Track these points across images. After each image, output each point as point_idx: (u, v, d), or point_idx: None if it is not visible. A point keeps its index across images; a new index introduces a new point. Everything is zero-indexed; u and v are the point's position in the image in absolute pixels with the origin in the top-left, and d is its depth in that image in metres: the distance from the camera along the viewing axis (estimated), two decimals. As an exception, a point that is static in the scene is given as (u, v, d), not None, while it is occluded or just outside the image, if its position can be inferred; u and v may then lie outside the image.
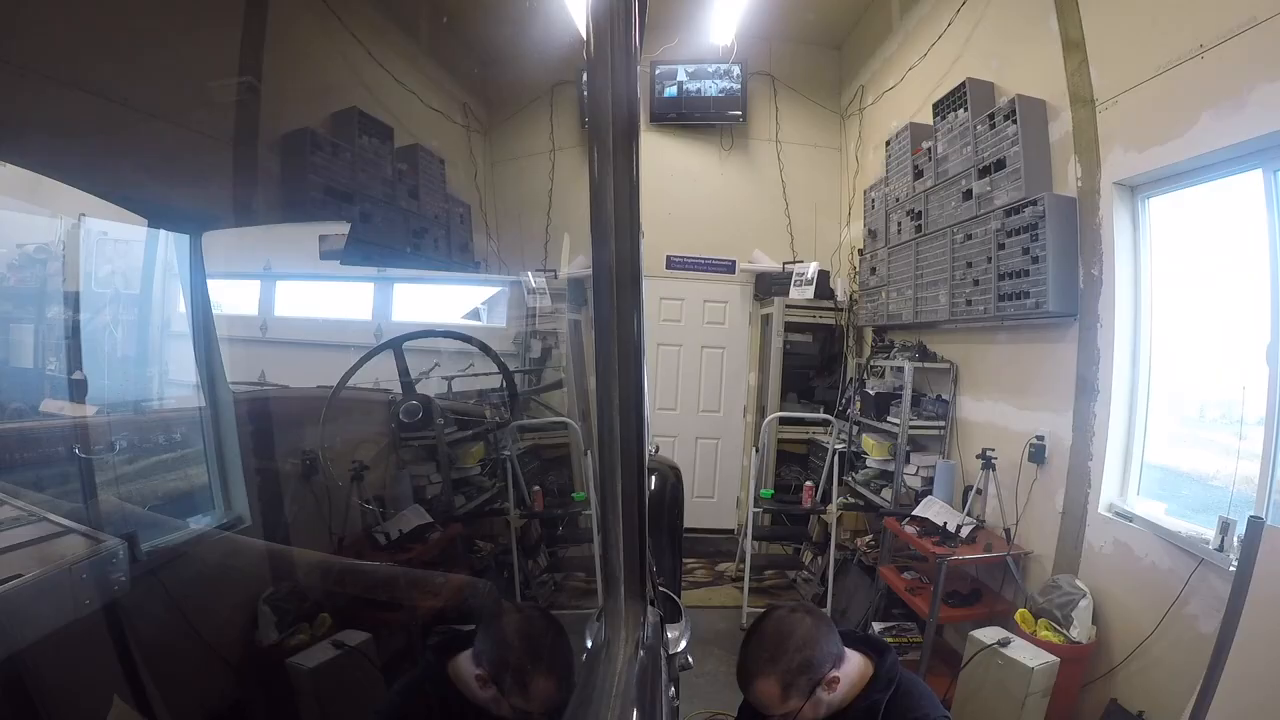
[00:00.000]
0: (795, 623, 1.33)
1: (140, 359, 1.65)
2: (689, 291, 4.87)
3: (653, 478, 2.29)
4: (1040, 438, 2.75)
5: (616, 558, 0.78)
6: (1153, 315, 2.43)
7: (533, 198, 4.63)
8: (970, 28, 3.32)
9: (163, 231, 1.51)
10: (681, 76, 4.77)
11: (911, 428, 3.40)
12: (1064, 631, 2.32)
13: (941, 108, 3.28)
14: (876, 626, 3.16)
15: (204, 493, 1.61)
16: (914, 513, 3.13)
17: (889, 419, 3.56)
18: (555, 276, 4.31)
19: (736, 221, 4.92)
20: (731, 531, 4.76)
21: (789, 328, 4.61)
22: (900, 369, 3.51)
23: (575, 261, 4.22)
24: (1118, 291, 2.43)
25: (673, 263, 4.65)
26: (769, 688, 1.28)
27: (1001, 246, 2.79)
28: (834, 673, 1.29)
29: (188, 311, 1.57)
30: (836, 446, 3.86)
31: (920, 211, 3.47)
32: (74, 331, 1.39)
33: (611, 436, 0.72)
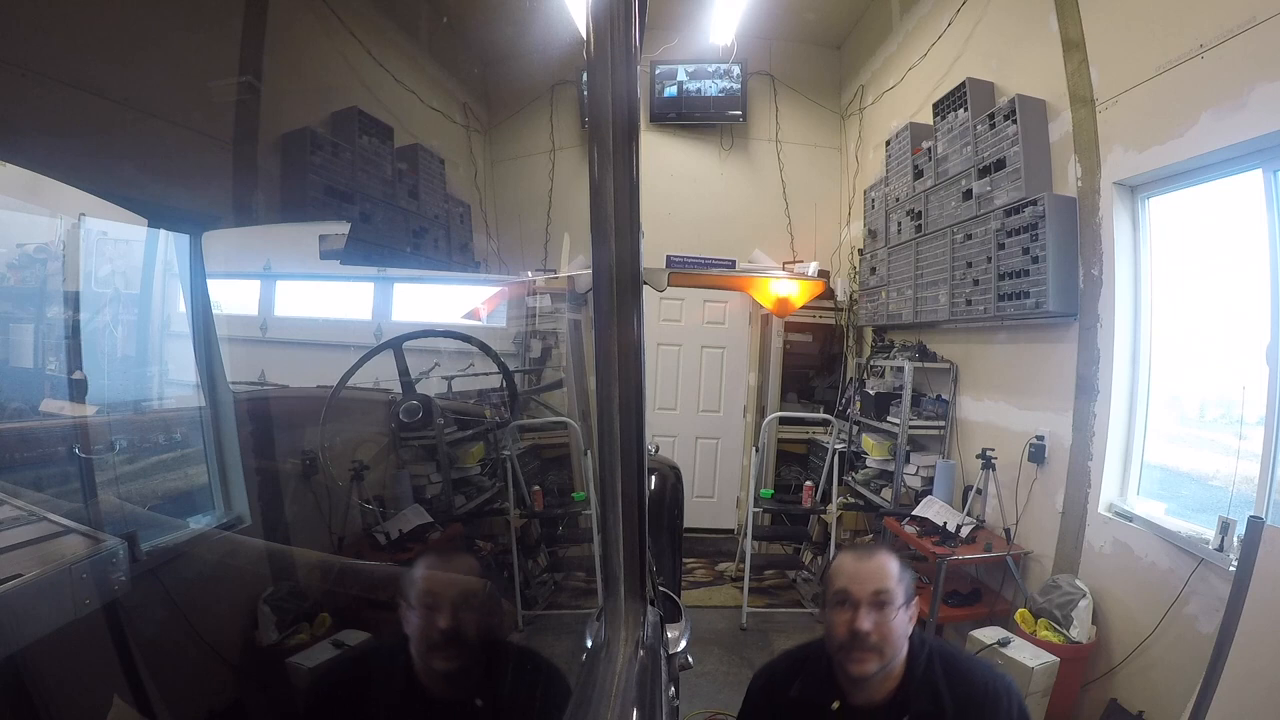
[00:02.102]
0: None
1: (140, 359, 1.64)
2: (689, 291, 4.87)
3: (653, 478, 2.29)
4: (1040, 438, 2.75)
5: (616, 558, 0.78)
6: (1153, 315, 2.43)
7: (533, 198, 4.63)
8: (970, 28, 3.32)
9: (163, 231, 1.51)
10: (681, 76, 4.77)
11: (911, 428, 3.40)
12: (1064, 631, 2.32)
13: (941, 108, 3.28)
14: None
15: (204, 493, 1.61)
16: (914, 513, 3.13)
17: (889, 419, 3.56)
18: (555, 276, 4.30)
19: (736, 221, 4.92)
20: (731, 531, 4.76)
21: (789, 327, 4.61)
22: (900, 369, 3.51)
23: (575, 261, 4.22)
24: (1118, 291, 2.43)
25: (673, 262, 4.66)
26: (891, 563, 1.30)
27: (1001, 246, 2.79)
28: (915, 607, 1.31)
29: (188, 311, 1.57)
30: (836, 446, 3.86)
31: (920, 211, 3.47)
32: (74, 331, 1.39)
33: (611, 436, 0.72)
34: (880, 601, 1.24)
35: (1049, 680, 2.22)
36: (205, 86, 1.33)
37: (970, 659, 1.32)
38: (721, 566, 4.38)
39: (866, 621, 1.22)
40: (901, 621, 1.25)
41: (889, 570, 1.28)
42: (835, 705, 1.27)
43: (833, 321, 4.69)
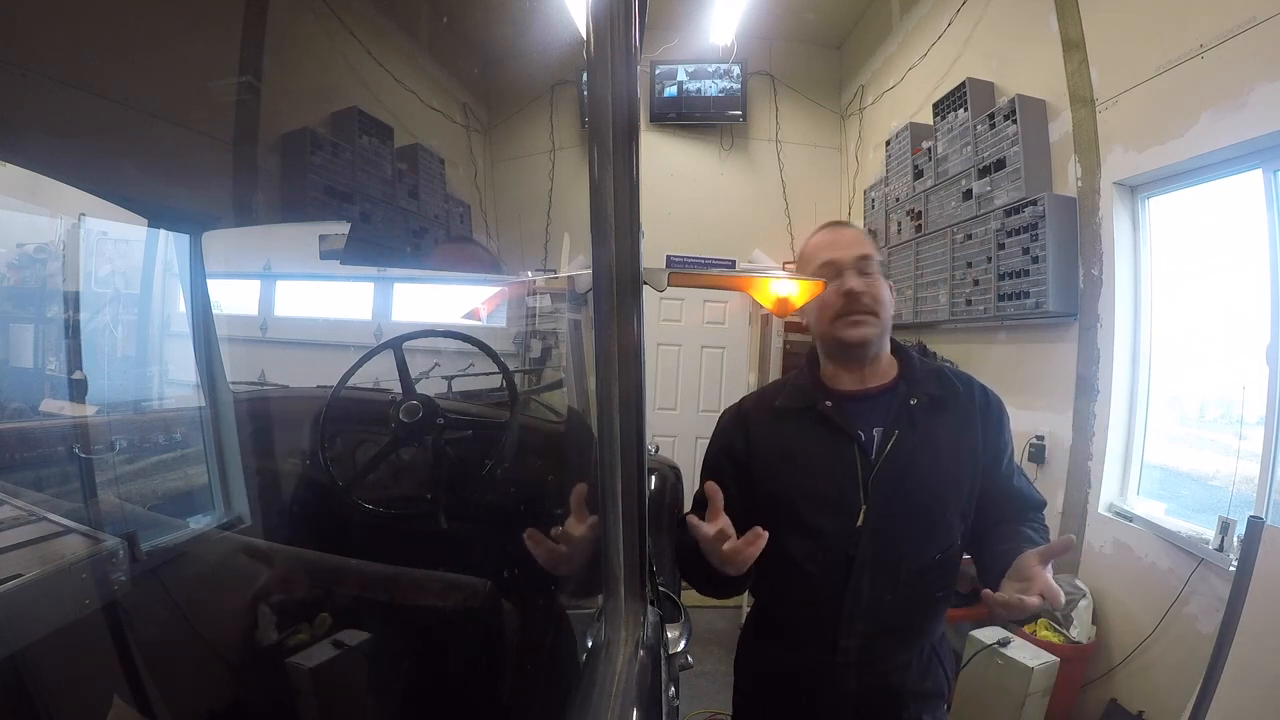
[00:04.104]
0: None
1: (140, 359, 1.64)
2: (689, 291, 4.87)
3: (653, 478, 2.29)
4: (1040, 437, 2.75)
5: (616, 558, 0.78)
6: (1153, 315, 2.43)
7: (533, 198, 4.62)
8: (970, 28, 3.32)
9: (163, 231, 1.50)
10: (681, 76, 4.77)
11: (911, 428, 3.40)
12: (1064, 631, 2.32)
13: (941, 108, 3.28)
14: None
15: (204, 493, 1.61)
16: (914, 513, 3.12)
17: (889, 419, 3.56)
18: (555, 276, 4.30)
19: (736, 221, 4.92)
20: (731, 531, 4.76)
21: (789, 327, 4.60)
22: (900, 369, 3.50)
23: (575, 261, 4.21)
24: (1118, 291, 2.43)
25: (673, 262, 4.65)
26: (864, 233, 1.23)
27: (1001, 246, 2.79)
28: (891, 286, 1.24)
29: (188, 311, 1.57)
30: (836, 446, 3.85)
31: (920, 211, 3.47)
32: (74, 331, 1.39)
33: (611, 436, 0.72)
34: (864, 269, 1.16)
35: (1049, 680, 2.22)
36: (205, 86, 1.33)
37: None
38: (721, 566, 4.37)
39: (858, 281, 1.15)
40: (885, 290, 1.18)
41: (865, 238, 1.21)
42: (828, 404, 1.18)
43: (832, 321, 4.69)
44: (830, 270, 1.17)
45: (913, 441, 1.14)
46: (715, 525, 1.02)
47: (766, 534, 1.00)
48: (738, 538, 1.03)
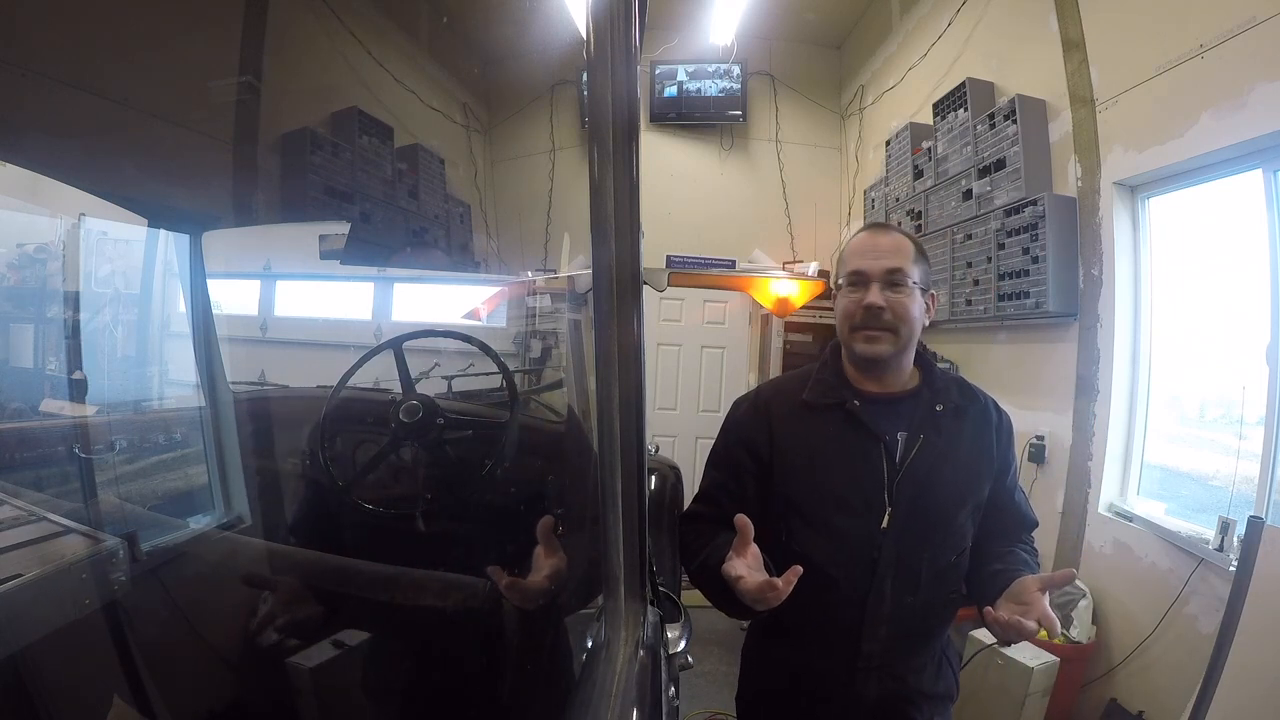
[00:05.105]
0: None
1: (140, 359, 1.64)
2: (689, 291, 4.87)
3: (653, 478, 2.29)
4: (1040, 438, 2.75)
5: (616, 558, 0.78)
6: (1153, 315, 2.43)
7: (533, 198, 4.62)
8: (970, 28, 3.32)
9: (163, 231, 1.50)
10: (681, 76, 4.77)
11: (911, 428, 3.40)
12: (1064, 631, 2.32)
13: (941, 108, 3.28)
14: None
15: (204, 493, 1.61)
16: (914, 513, 3.12)
17: (889, 419, 3.56)
18: (555, 276, 4.30)
19: (736, 221, 4.92)
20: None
21: (789, 327, 4.61)
22: (900, 369, 3.50)
23: (575, 261, 4.22)
24: (1118, 291, 2.43)
25: (673, 262, 4.65)
26: (907, 242, 1.17)
27: (1001, 246, 2.79)
28: (932, 300, 1.21)
29: (188, 311, 1.57)
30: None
31: (920, 211, 3.47)
32: (74, 331, 1.39)
33: (611, 436, 0.72)
34: (894, 281, 1.12)
35: (1049, 680, 2.22)
36: (205, 86, 1.32)
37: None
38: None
39: (880, 297, 1.11)
40: (917, 305, 1.15)
41: (905, 249, 1.15)
42: (857, 403, 1.15)
43: (833, 321, 4.69)
44: (856, 280, 1.14)
45: (938, 447, 1.15)
46: (756, 576, 0.97)
47: (801, 569, 0.96)
48: (754, 535, 1.02)
